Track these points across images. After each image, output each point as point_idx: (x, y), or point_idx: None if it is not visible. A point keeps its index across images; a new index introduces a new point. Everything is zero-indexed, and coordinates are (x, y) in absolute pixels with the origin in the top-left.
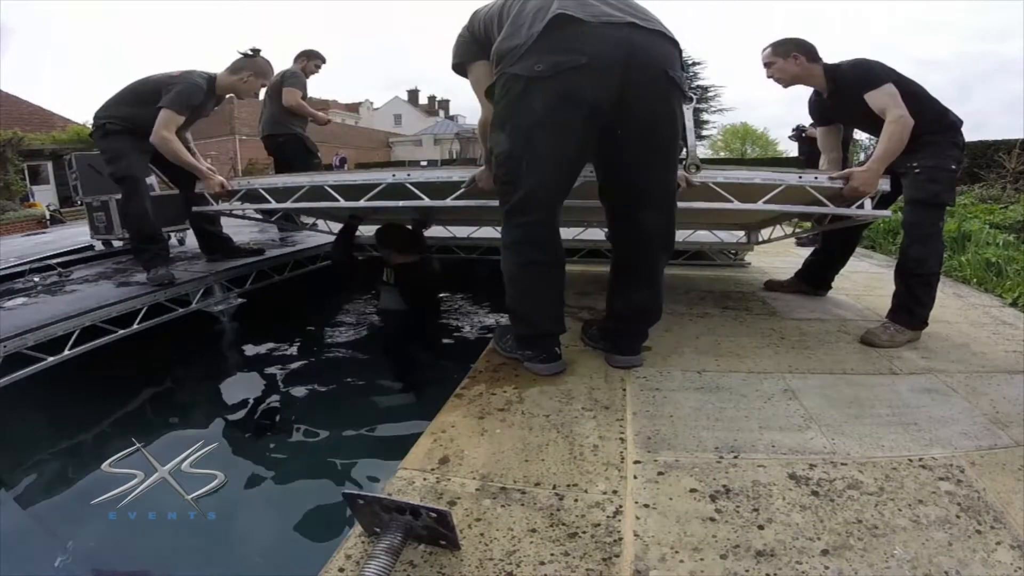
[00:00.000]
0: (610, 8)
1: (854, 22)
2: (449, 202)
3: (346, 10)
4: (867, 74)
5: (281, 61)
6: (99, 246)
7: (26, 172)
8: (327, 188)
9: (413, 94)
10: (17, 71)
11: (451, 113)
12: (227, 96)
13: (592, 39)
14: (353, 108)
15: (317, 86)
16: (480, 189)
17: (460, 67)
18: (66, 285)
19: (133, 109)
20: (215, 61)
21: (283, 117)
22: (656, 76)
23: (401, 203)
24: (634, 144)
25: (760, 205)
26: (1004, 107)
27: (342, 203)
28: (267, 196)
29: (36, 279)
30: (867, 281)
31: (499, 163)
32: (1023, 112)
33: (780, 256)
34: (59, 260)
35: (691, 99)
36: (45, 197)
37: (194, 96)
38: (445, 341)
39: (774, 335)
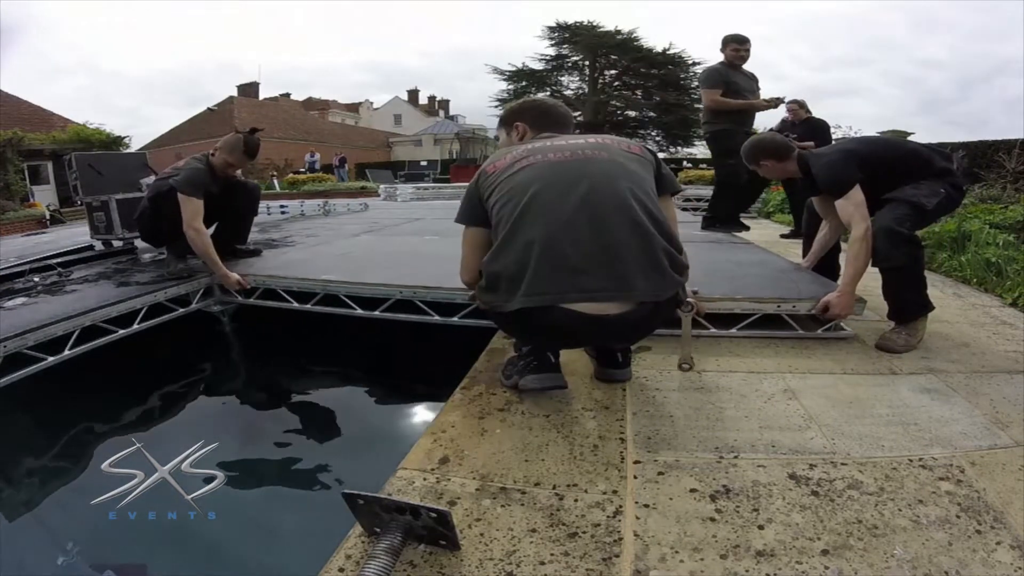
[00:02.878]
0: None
1: (855, 22)
2: (457, 320)
3: (346, 10)
4: (833, 184)
5: (281, 62)
6: (99, 246)
7: (26, 172)
8: (342, 297)
9: (413, 94)
10: (17, 71)
11: (451, 113)
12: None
13: None
14: (353, 108)
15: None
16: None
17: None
18: (66, 285)
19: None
20: (215, 61)
21: None
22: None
23: (413, 317)
24: None
25: (735, 332)
26: (1004, 107)
27: (357, 311)
28: (285, 295)
29: (36, 279)
30: (864, 281)
31: None
32: (1023, 112)
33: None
34: (59, 260)
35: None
36: (45, 197)
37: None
38: (445, 342)
39: (774, 335)
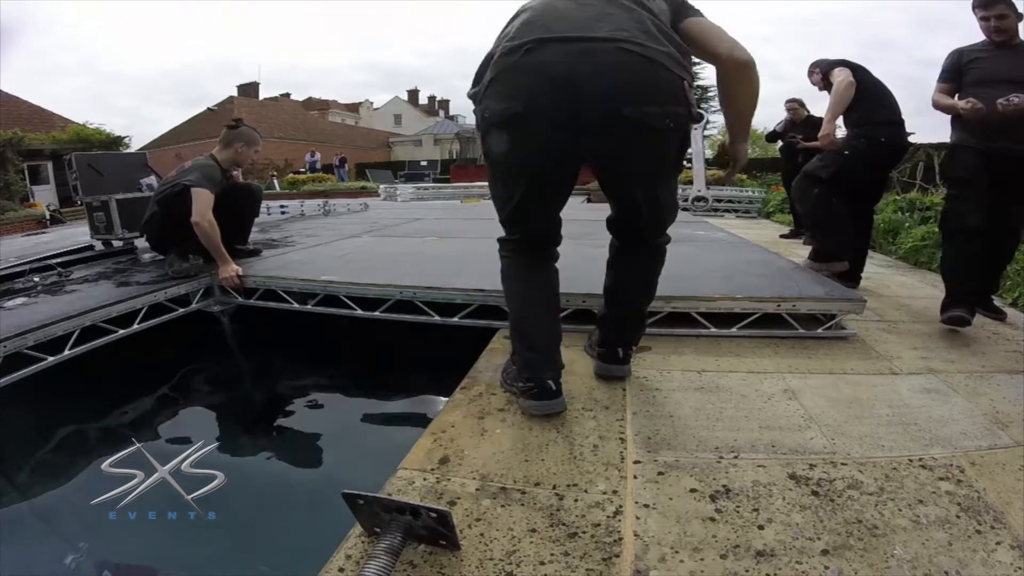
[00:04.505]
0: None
1: (855, 22)
2: (456, 320)
3: (346, 10)
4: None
5: (281, 62)
6: (99, 246)
7: (26, 172)
8: (341, 298)
9: (413, 94)
10: (17, 71)
11: (451, 113)
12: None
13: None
14: (353, 108)
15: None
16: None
17: None
18: (66, 285)
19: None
20: (215, 61)
21: None
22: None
23: (413, 318)
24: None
25: (735, 331)
26: None
27: (358, 312)
28: (285, 296)
29: (36, 279)
30: (864, 283)
31: None
32: None
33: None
34: (59, 260)
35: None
36: (45, 197)
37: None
38: (445, 342)
39: (774, 335)
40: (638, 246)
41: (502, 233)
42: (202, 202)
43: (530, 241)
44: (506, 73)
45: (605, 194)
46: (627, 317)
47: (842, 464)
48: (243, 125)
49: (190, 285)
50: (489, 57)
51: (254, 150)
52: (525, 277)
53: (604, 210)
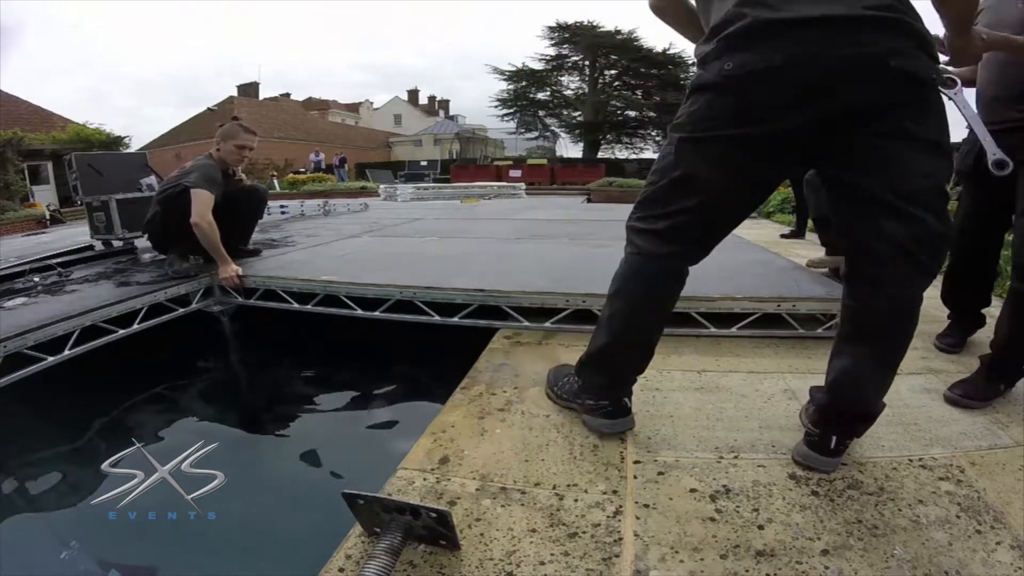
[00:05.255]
0: None
1: None
2: (456, 320)
3: (346, 10)
4: None
5: (281, 61)
6: (99, 246)
7: (26, 172)
8: (342, 297)
9: (413, 94)
10: (17, 71)
11: (451, 113)
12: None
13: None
14: (353, 108)
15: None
16: None
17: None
18: (66, 285)
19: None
20: (215, 61)
21: None
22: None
23: (413, 317)
24: None
25: (735, 331)
26: None
27: (358, 312)
28: (285, 296)
29: (36, 279)
30: None
31: None
32: None
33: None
34: (59, 260)
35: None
36: (45, 197)
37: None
38: (445, 342)
39: (774, 335)
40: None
41: (637, 222)
42: (201, 203)
43: (689, 253)
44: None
45: None
46: None
47: (842, 464)
48: (231, 122)
49: (190, 285)
50: None
51: (234, 144)
52: (655, 293)
53: (604, 210)
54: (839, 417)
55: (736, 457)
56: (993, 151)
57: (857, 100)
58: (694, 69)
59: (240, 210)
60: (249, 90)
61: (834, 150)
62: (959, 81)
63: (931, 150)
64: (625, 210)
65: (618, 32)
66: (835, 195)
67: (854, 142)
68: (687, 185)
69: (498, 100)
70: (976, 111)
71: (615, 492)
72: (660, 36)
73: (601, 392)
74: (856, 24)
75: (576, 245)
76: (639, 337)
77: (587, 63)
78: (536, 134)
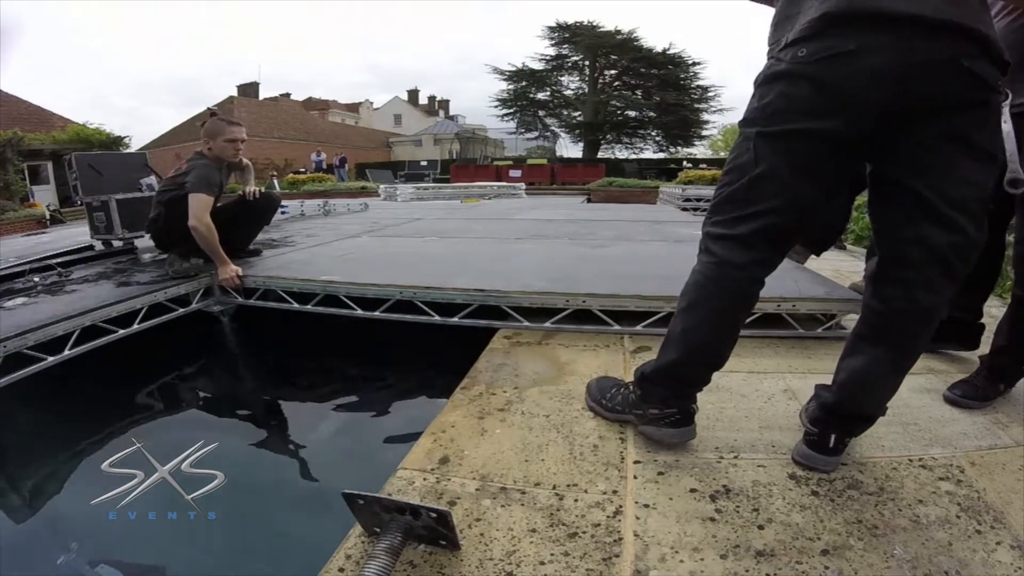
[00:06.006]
0: None
1: None
2: (456, 320)
3: (346, 10)
4: None
5: (281, 61)
6: (99, 246)
7: (26, 172)
8: (341, 297)
9: (413, 94)
10: (17, 71)
11: (451, 113)
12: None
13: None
14: (353, 108)
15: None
16: None
17: None
18: (66, 285)
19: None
20: (215, 60)
21: None
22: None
23: (413, 317)
24: None
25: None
26: None
27: (358, 312)
28: (285, 296)
29: (36, 279)
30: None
31: None
32: None
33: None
34: (59, 260)
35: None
36: (45, 197)
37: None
38: (445, 342)
39: (774, 335)
40: None
41: (714, 227)
42: (198, 206)
43: (771, 260)
44: None
45: None
46: None
47: (842, 464)
48: (211, 119)
49: (190, 285)
50: None
51: (225, 140)
52: (735, 307)
53: (604, 210)
54: (843, 417)
55: (736, 457)
56: (1014, 169)
57: (928, 98)
58: (694, 69)
59: (251, 214)
60: (249, 90)
61: (893, 148)
62: (1009, 93)
63: (985, 159)
64: (625, 210)
65: (618, 32)
66: (880, 195)
67: (914, 142)
68: (768, 183)
69: (498, 100)
70: (1011, 127)
71: (615, 492)
72: (660, 36)
73: (668, 401)
74: (935, 23)
75: (576, 245)
76: (715, 353)
77: (587, 63)
78: (536, 134)
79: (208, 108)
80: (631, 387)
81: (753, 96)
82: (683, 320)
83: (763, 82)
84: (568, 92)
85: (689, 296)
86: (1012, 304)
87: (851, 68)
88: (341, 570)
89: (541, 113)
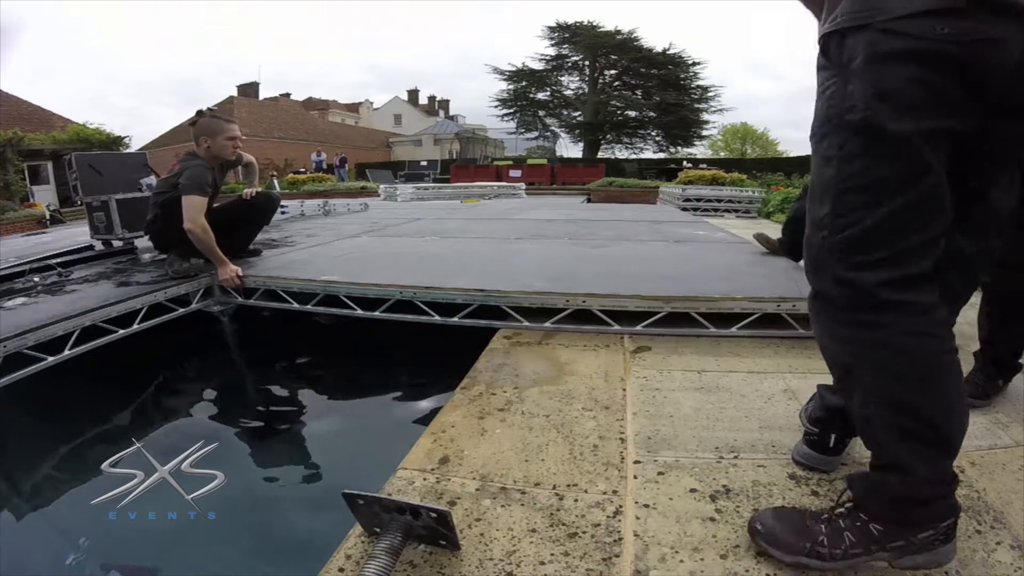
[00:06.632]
0: None
1: None
2: (456, 320)
3: (346, 10)
4: None
5: (281, 61)
6: (99, 246)
7: (26, 172)
8: (342, 297)
9: (413, 94)
10: (17, 71)
11: (451, 113)
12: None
13: None
14: (353, 108)
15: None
16: None
17: None
18: (66, 285)
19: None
20: (215, 60)
21: None
22: None
23: (413, 317)
24: None
25: (735, 331)
26: None
27: (358, 312)
28: (285, 296)
29: (36, 279)
30: None
31: None
32: None
33: None
34: (59, 260)
35: None
36: (45, 197)
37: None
38: (445, 342)
39: (774, 335)
40: None
41: (884, 288)
42: (192, 208)
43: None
44: None
45: None
46: None
47: (842, 464)
48: (205, 117)
49: (190, 285)
50: None
51: (225, 138)
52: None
53: (604, 210)
54: (846, 418)
55: (736, 457)
56: None
57: None
58: (694, 69)
59: (252, 216)
60: (249, 90)
61: (986, 156)
62: None
63: None
64: (625, 210)
65: (618, 32)
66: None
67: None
68: (928, 199)
69: (498, 100)
70: None
71: (615, 492)
72: (660, 36)
73: (939, 509)
74: None
75: (576, 245)
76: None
77: (587, 63)
78: (536, 134)
79: (198, 110)
80: (847, 515)
81: (849, 81)
82: (924, 406)
83: (873, 60)
84: (568, 92)
85: (905, 371)
86: (983, 294)
87: (998, 59)
88: (341, 570)
89: (541, 113)
